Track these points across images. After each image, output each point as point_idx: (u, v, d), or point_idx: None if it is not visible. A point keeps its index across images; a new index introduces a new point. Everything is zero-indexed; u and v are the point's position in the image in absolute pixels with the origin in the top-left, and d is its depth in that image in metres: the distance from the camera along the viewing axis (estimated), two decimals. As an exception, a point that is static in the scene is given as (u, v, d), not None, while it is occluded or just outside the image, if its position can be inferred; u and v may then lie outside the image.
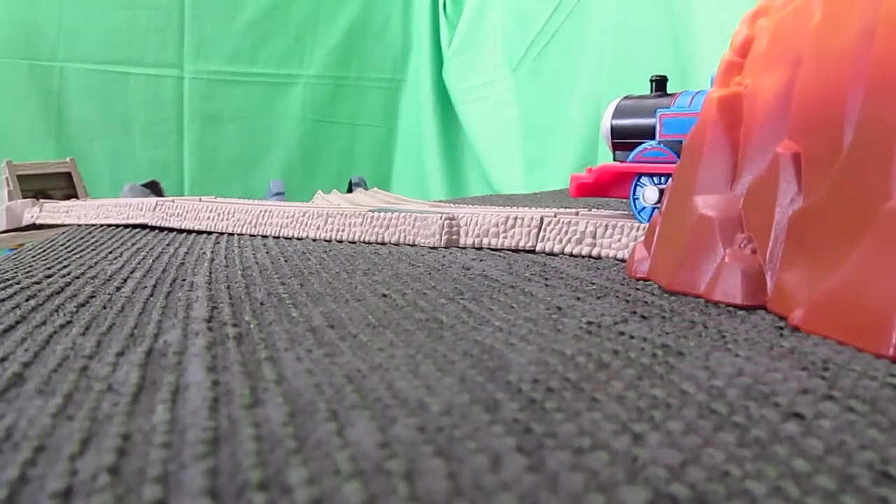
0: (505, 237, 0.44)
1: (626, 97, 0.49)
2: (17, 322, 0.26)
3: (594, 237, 0.41)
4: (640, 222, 0.43)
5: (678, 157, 0.41)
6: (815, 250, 0.25)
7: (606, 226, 0.41)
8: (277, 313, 0.27)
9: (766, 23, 0.32)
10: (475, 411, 0.17)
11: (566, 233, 0.42)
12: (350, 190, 1.16)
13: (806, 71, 0.28)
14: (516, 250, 0.43)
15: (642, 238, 0.37)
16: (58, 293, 0.32)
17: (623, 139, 0.47)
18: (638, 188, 0.44)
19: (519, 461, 0.14)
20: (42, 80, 1.67)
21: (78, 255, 0.44)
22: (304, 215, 0.52)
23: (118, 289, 0.33)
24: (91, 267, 0.39)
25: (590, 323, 0.25)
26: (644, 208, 0.44)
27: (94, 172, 1.55)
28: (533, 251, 0.43)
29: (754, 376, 0.19)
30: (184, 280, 0.35)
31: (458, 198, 1.38)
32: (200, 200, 0.60)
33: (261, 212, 0.54)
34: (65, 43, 1.68)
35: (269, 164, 1.85)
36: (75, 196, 0.88)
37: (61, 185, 0.92)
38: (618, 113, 0.48)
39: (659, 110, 0.45)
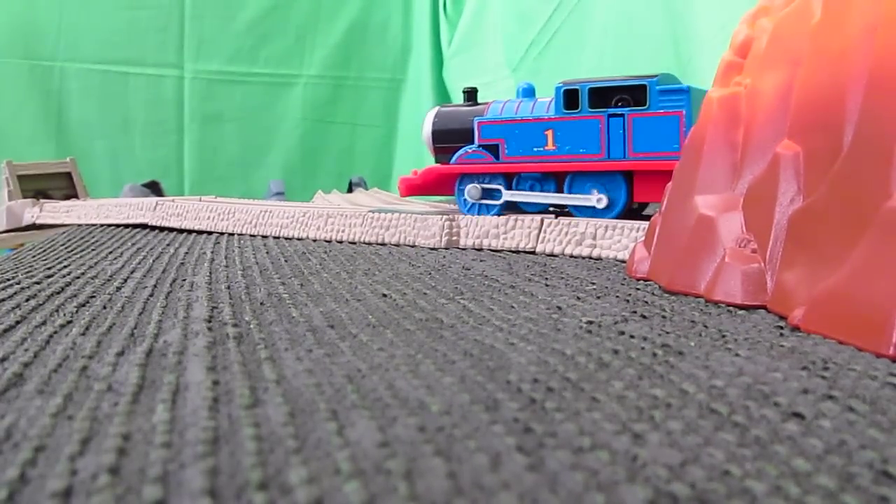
0: (505, 238, 0.44)
1: (443, 105, 0.57)
2: (18, 322, 0.26)
3: (594, 238, 0.41)
4: (464, 214, 0.50)
5: (496, 158, 0.49)
6: (815, 250, 0.25)
7: (606, 227, 0.41)
8: (277, 313, 0.27)
9: (766, 23, 0.32)
10: (475, 411, 0.17)
11: (566, 234, 0.42)
12: (350, 190, 1.16)
13: (806, 70, 0.28)
14: (516, 251, 0.43)
15: (642, 238, 0.37)
16: (58, 293, 0.32)
17: (443, 143, 0.54)
18: (463, 187, 0.51)
19: (519, 460, 0.14)
20: (42, 80, 1.67)
21: (78, 255, 0.44)
22: (304, 215, 0.52)
23: (118, 289, 0.33)
24: (91, 267, 0.39)
25: (590, 322, 0.25)
26: (472, 205, 0.51)
27: (94, 172, 1.55)
28: (533, 252, 0.43)
29: (754, 376, 0.19)
30: (184, 280, 0.35)
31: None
32: (200, 200, 0.60)
33: (261, 212, 0.54)
34: (65, 43, 1.68)
35: (269, 164, 1.85)
36: (75, 196, 0.88)
37: (61, 185, 0.92)
38: (437, 120, 0.54)
39: (476, 118, 0.51)
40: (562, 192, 0.48)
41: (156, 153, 1.75)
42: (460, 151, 0.51)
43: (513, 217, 0.44)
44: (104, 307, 0.29)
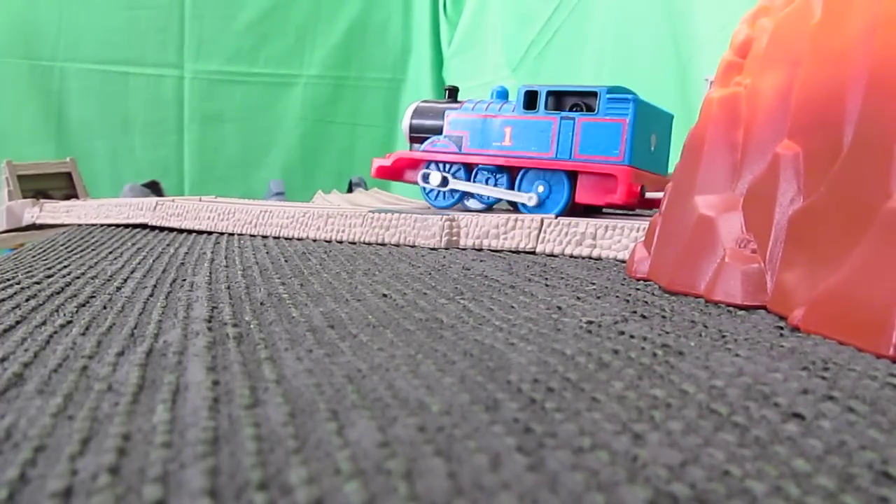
0: (505, 238, 0.44)
1: (424, 101, 0.60)
2: (18, 322, 0.26)
3: (594, 238, 0.41)
4: (430, 203, 0.55)
5: (459, 150, 0.53)
6: (815, 250, 0.25)
7: (606, 227, 0.41)
8: (277, 313, 0.27)
9: (766, 23, 0.32)
10: (475, 411, 0.17)
11: (566, 234, 0.42)
12: (350, 190, 1.16)
13: (805, 71, 0.28)
14: (517, 251, 0.43)
15: (642, 238, 0.37)
16: (58, 293, 0.32)
17: (418, 134, 0.58)
18: (424, 172, 0.55)
19: (519, 461, 0.14)
20: (42, 80, 1.67)
21: (78, 255, 0.44)
22: (304, 216, 0.52)
23: (118, 289, 0.33)
24: (91, 267, 0.39)
25: (590, 322, 0.25)
26: (430, 191, 0.55)
27: (94, 172, 1.55)
28: (533, 252, 0.43)
29: (754, 376, 0.19)
30: (184, 280, 0.35)
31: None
32: (200, 200, 0.60)
33: (261, 212, 0.54)
34: (65, 43, 1.68)
35: (269, 164, 1.85)
36: (75, 196, 0.88)
37: (61, 185, 0.92)
38: (415, 114, 0.59)
39: (447, 111, 0.55)
40: (513, 187, 0.51)
41: (156, 153, 1.75)
42: (427, 141, 0.55)
43: (513, 217, 0.44)
44: (104, 307, 0.29)
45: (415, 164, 0.56)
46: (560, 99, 0.49)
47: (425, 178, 0.55)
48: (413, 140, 0.59)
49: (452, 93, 0.58)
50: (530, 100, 0.49)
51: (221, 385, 0.19)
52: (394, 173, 0.58)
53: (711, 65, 0.36)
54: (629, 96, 0.46)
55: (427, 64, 1.81)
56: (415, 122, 0.58)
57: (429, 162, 0.55)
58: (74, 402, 0.18)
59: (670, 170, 0.49)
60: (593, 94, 0.47)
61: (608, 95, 0.46)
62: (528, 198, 0.49)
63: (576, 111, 0.48)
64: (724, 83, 0.33)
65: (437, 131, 0.56)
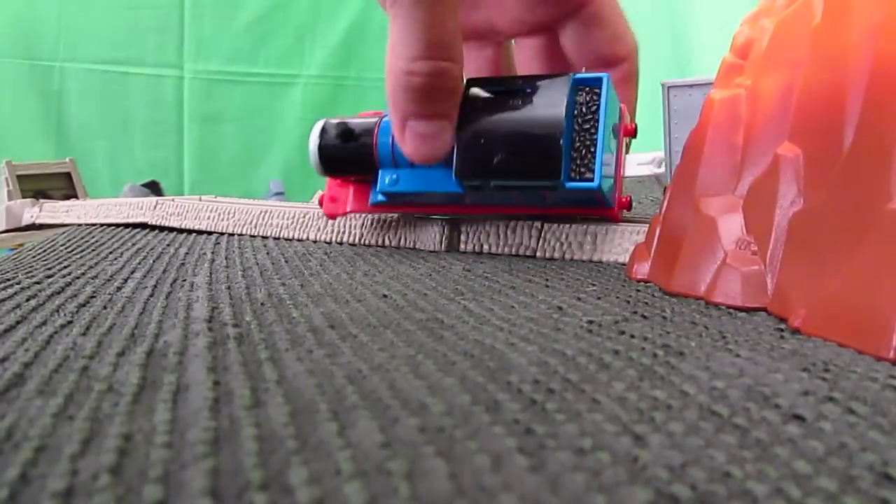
0: (505, 241, 0.44)
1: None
2: (18, 322, 0.26)
3: (594, 242, 0.41)
4: None
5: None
6: (816, 252, 0.25)
7: (607, 230, 0.41)
8: (278, 314, 0.27)
9: (767, 24, 0.32)
10: (476, 412, 0.17)
11: (566, 237, 0.42)
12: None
13: (806, 72, 0.28)
14: (517, 254, 0.43)
15: (642, 240, 0.37)
16: (58, 293, 0.32)
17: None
18: None
19: (520, 462, 0.14)
20: (42, 80, 1.67)
21: (78, 255, 0.44)
22: (304, 216, 0.52)
23: (119, 289, 0.33)
24: (91, 267, 0.39)
25: (591, 322, 0.25)
26: None
27: (94, 172, 1.55)
28: (534, 255, 0.43)
29: (755, 377, 0.19)
30: (184, 280, 0.35)
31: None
32: (200, 200, 0.60)
33: (261, 212, 0.54)
34: (65, 43, 1.68)
35: (269, 164, 1.85)
36: (75, 196, 0.88)
37: (61, 186, 0.92)
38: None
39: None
40: None
41: (156, 153, 1.75)
42: (374, 196, 0.45)
43: (513, 221, 0.44)
44: (104, 307, 0.29)
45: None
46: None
47: None
48: (330, 171, 0.46)
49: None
50: (475, 189, 0.38)
51: (222, 385, 0.19)
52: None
53: (712, 65, 0.36)
54: (594, 185, 0.36)
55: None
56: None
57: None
58: (75, 402, 0.18)
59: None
60: (552, 187, 0.36)
61: (570, 186, 0.36)
62: None
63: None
64: (725, 84, 0.33)
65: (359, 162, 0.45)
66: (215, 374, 0.20)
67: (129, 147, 1.70)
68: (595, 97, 0.36)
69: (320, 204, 0.48)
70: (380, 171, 0.42)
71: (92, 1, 1.64)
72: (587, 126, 0.36)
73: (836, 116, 0.25)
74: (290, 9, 1.80)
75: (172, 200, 0.60)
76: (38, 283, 0.34)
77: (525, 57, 0.48)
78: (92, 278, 0.36)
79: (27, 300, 0.30)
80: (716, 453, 0.14)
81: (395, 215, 0.48)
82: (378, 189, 0.42)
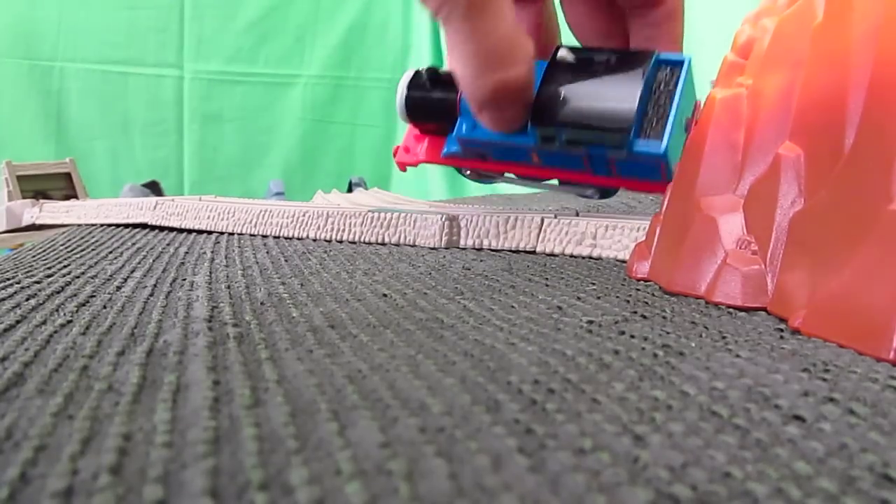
0: (505, 238, 0.44)
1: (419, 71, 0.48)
2: (18, 322, 0.26)
3: (594, 238, 0.41)
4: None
5: (484, 159, 0.44)
6: (817, 253, 0.25)
7: (607, 227, 0.41)
8: (278, 313, 0.27)
9: (768, 23, 0.32)
10: (476, 412, 0.17)
11: (566, 233, 0.42)
12: (350, 190, 1.16)
13: (808, 72, 0.28)
14: (517, 251, 0.43)
15: (642, 238, 0.37)
16: (58, 293, 0.32)
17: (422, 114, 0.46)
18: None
19: (520, 462, 0.14)
20: (42, 80, 1.67)
21: (78, 255, 0.44)
22: (304, 215, 0.52)
23: (118, 288, 0.33)
24: (91, 266, 0.39)
25: (590, 322, 0.25)
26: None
27: (94, 172, 1.55)
28: (533, 252, 0.43)
29: (755, 378, 0.19)
30: (184, 279, 0.35)
31: (458, 198, 1.38)
32: (200, 200, 0.60)
33: (261, 211, 0.54)
34: (65, 43, 1.68)
35: (269, 164, 1.85)
36: (75, 196, 0.88)
37: (61, 186, 0.92)
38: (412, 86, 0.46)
39: (455, 135, 0.44)
40: None
41: (156, 153, 1.75)
42: (449, 147, 0.45)
43: (513, 216, 0.44)
44: (104, 307, 0.29)
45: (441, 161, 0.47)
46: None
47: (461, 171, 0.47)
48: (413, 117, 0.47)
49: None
50: (545, 139, 0.40)
51: (222, 385, 0.19)
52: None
53: (712, 65, 0.36)
54: (660, 151, 0.37)
55: (427, 64, 1.81)
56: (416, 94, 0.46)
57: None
58: (75, 401, 0.18)
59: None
60: (620, 140, 0.37)
61: (637, 147, 0.37)
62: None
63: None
64: (726, 84, 0.33)
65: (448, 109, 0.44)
66: (215, 373, 0.20)
67: (129, 147, 1.70)
68: (675, 76, 0.39)
69: (394, 154, 0.49)
70: (458, 119, 0.43)
71: (92, 1, 1.64)
72: (662, 101, 0.38)
73: (837, 116, 0.25)
74: (290, 9, 1.80)
75: (172, 200, 0.60)
76: (37, 282, 0.34)
77: (573, 9, 0.46)
78: (92, 278, 0.36)
79: (27, 300, 0.30)
80: (716, 454, 0.14)
81: (396, 214, 0.48)
82: (455, 134, 0.44)
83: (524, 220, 0.44)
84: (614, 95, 0.37)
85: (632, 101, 0.37)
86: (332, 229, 0.50)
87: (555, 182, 0.46)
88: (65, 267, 0.39)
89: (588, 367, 0.20)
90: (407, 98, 0.45)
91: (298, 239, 0.51)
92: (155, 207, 0.59)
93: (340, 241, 0.49)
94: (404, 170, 0.50)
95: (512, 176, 0.47)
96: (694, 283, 0.30)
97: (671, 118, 0.38)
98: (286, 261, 0.41)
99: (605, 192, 0.46)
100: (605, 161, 0.41)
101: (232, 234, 0.54)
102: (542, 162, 0.43)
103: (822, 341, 0.23)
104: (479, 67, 0.35)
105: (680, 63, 0.40)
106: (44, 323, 0.26)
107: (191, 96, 1.72)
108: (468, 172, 0.48)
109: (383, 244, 0.48)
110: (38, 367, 0.21)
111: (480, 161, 0.46)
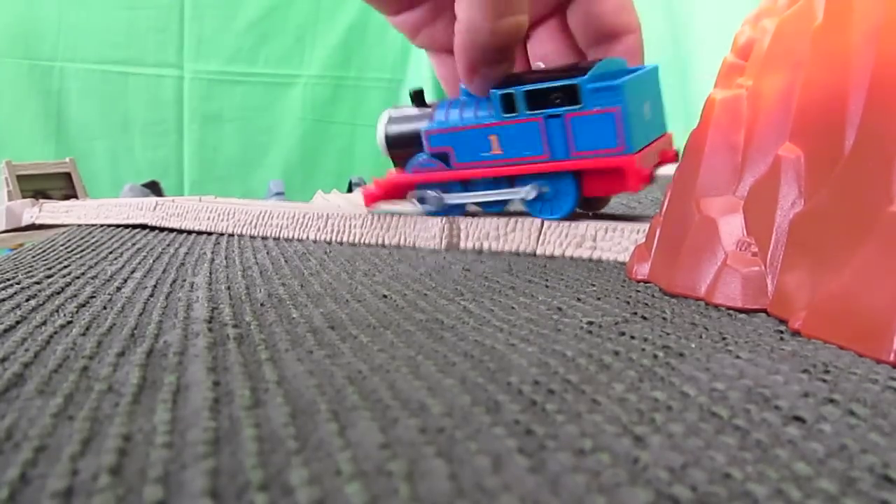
0: (505, 240, 0.44)
1: (394, 108, 0.52)
2: (18, 322, 0.26)
3: (594, 240, 0.41)
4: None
5: (447, 165, 0.47)
6: (817, 254, 0.25)
7: (607, 229, 0.41)
8: (278, 314, 0.27)
9: (768, 24, 0.32)
10: (476, 413, 0.17)
11: (566, 235, 0.42)
12: (350, 190, 1.16)
13: (807, 73, 0.28)
14: (517, 253, 0.43)
15: (642, 240, 0.37)
16: (58, 293, 0.32)
17: (397, 149, 0.50)
18: (418, 194, 0.48)
19: (521, 462, 0.14)
20: (42, 80, 1.67)
21: (78, 256, 0.44)
22: (304, 216, 0.52)
23: (118, 289, 0.33)
24: (91, 267, 0.39)
25: (590, 323, 0.25)
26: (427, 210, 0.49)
27: (94, 172, 1.55)
28: (533, 254, 0.43)
29: (755, 379, 0.19)
30: (184, 280, 0.35)
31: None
32: (200, 200, 0.60)
33: (261, 213, 0.54)
34: (65, 43, 1.67)
35: (269, 164, 1.85)
36: (75, 196, 0.88)
37: (61, 186, 0.92)
38: (390, 125, 0.50)
39: (423, 128, 0.47)
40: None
41: (156, 153, 1.75)
42: (414, 161, 0.48)
43: (513, 219, 0.44)
44: (104, 307, 0.29)
45: (405, 186, 0.49)
46: (539, 95, 0.42)
47: (421, 200, 0.49)
48: (394, 155, 0.51)
49: (419, 97, 0.50)
50: (507, 103, 0.43)
51: (222, 386, 0.19)
52: (385, 197, 0.51)
53: (711, 65, 0.36)
54: (615, 83, 0.40)
55: (427, 64, 1.81)
56: (390, 133, 0.50)
57: (418, 183, 0.49)
58: (75, 402, 0.18)
59: (668, 125, 0.46)
60: (573, 89, 0.41)
61: (591, 86, 0.40)
62: (525, 192, 0.44)
63: (559, 105, 0.42)
64: (726, 85, 0.33)
65: (417, 142, 0.48)
66: (215, 374, 0.20)
67: (129, 147, 1.70)
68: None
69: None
70: (437, 109, 0.48)
71: (92, 1, 1.64)
72: (619, 74, 0.42)
73: (837, 118, 0.25)
74: (290, 9, 1.80)
75: (172, 201, 0.60)
76: (38, 283, 0.34)
77: (536, 40, 0.48)
78: (92, 278, 0.36)
79: (27, 300, 0.30)
80: (716, 454, 0.14)
81: (396, 216, 0.48)
82: (425, 128, 0.47)
83: (524, 222, 0.44)
84: (568, 67, 0.43)
85: (586, 64, 0.42)
86: (332, 230, 0.50)
87: (522, 207, 0.47)
88: (65, 267, 0.39)
89: (588, 368, 0.20)
90: (387, 136, 0.50)
91: (298, 240, 0.51)
92: (155, 208, 0.59)
93: (340, 243, 0.49)
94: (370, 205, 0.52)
95: (472, 203, 0.48)
96: (694, 284, 0.30)
97: (627, 78, 0.41)
98: (286, 262, 0.41)
99: (590, 204, 0.47)
100: (562, 130, 0.42)
101: (232, 234, 0.54)
102: (503, 151, 0.45)
103: (822, 342, 0.23)
104: (497, 9, 0.37)
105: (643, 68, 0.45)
106: (44, 323, 0.26)
107: (191, 96, 1.72)
108: (426, 197, 0.49)
109: (383, 246, 0.48)
110: (38, 367, 0.21)
111: (444, 168, 0.47)
